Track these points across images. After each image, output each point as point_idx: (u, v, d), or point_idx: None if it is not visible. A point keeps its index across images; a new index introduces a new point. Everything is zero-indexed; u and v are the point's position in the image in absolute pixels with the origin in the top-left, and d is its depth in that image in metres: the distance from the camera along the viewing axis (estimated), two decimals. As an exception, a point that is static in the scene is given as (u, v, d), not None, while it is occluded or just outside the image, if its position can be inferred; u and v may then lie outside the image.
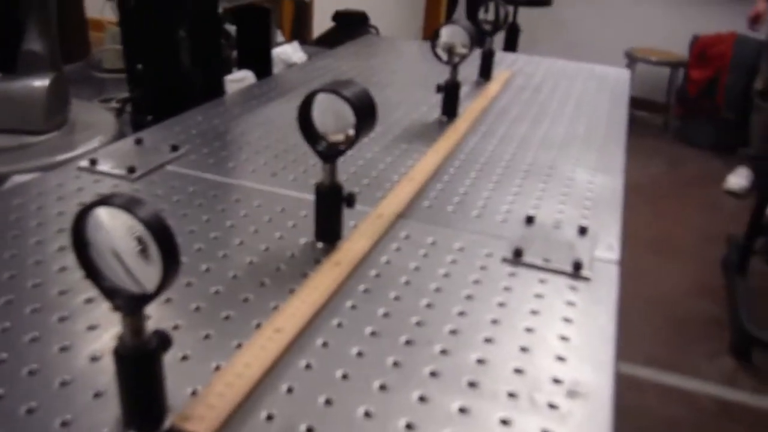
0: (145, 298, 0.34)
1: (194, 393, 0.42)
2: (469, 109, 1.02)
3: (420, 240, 0.63)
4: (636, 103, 3.60)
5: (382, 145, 0.87)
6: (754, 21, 2.86)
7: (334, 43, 1.62)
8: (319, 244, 0.60)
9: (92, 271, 0.35)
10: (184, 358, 0.45)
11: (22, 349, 0.45)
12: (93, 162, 0.75)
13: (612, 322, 0.53)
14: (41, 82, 0.88)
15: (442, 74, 0.95)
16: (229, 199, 0.70)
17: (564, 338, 0.50)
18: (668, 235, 2.53)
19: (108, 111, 1.04)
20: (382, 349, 0.47)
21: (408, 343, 0.48)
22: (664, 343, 1.89)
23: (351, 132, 0.56)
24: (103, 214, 0.33)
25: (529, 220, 0.67)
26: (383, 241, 0.62)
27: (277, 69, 1.30)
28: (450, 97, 0.98)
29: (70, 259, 0.56)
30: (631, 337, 1.84)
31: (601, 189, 0.77)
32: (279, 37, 1.61)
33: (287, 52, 1.37)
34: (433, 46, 0.93)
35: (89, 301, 0.51)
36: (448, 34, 0.90)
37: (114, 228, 0.34)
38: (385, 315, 0.51)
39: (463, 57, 0.92)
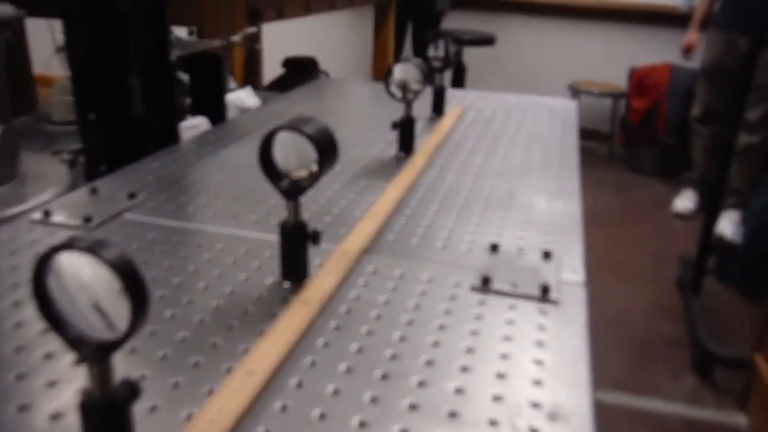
0: (113, 345, 0.33)
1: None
2: (425, 144, 1.03)
3: (388, 273, 0.63)
4: (582, 134, 3.72)
5: (343, 182, 0.87)
6: (687, 50, 3.00)
7: (286, 88, 1.63)
8: (286, 284, 0.59)
9: (55, 321, 0.33)
10: (153, 408, 0.44)
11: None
12: (47, 213, 0.72)
13: (584, 342, 0.53)
14: (-11, 136, 0.85)
15: (394, 113, 0.97)
16: (190, 244, 0.68)
17: (539, 362, 0.50)
18: (622, 259, 2.59)
19: (60, 162, 1.02)
20: (358, 386, 0.46)
21: (384, 377, 0.47)
22: (627, 365, 1.91)
23: (314, 168, 0.56)
24: (64, 259, 0.32)
25: (494, 248, 0.67)
26: (351, 276, 0.62)
27: (231, 114, 1.30)
28: (406, 133, 0.99)
29: (26, 313, 0.54)
30: (596, 361, 1.86)
31: (561, 214, 0.79)
32: (231, 83, 1.61)
33: (241, 98, 1.37)
34: (387, 84, 0.95)
35: (48, 356, 0.49)
36: (401, 71, 0.92)
37: (77, 273, 0.32)
38: (359, 350, 0.50)
39: (417, 93, 0.94)
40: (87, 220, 0.71)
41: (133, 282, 0.32)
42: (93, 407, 0.34)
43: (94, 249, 0.31)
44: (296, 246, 0.59)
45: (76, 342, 0.33)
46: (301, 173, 0.57)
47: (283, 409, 0.44)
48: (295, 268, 0.59)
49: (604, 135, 3.87)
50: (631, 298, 2.29)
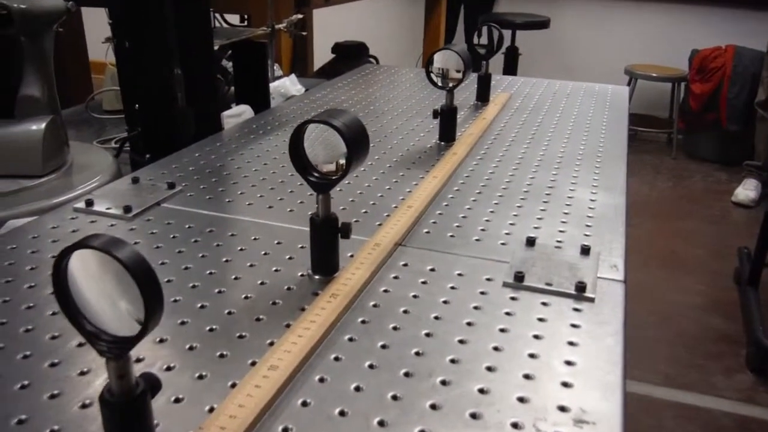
0: (129, 341, 0.33)
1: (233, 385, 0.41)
2: (466, 133, 1.01)
3: (419, 268, 0.62)
4: (639, 120, 3.62)
5: (380, 173, 0.86)
6: None
7: (334, 74, 1.63)
8: (317, 277, 0.59)
9: (74, 316, 0.34)
10: (177, 400, 0.44)
11: (12, 398, 0.44)
12: (89, 203, 0.74)
13: (619, 343, 0.51)
14: (38, 126, 0.88)
15: (440, 100, 0.95)
16: (225, 235, 0.69)
17: (569, 363, 0.48)
18: (678, 250, 2.50)
19: (106, 151, 1.04)
20: (381, 383, 0.46)
21: (407, 375, 0.47)
22: (679, 362, 1.85)
23: (342, 161, 0.55)
24: (82, 256, 0.33)
25: (530, 242, 0.66)
26: (382, 270, 0.61)
27: (276, 102, 1.31)
28: (447, 121, 0.97)
29: (63, 302, 0.55)
30: (645, 357, 1.81)
31: (603, 207, 0.76)
32: (278, 71, 1.62)
33: (285, 85, 1.37)
34: (428, 72, 0.93)
35: (81, 345, 0.50)
36: (440, 59, 0.90)
37: (94, 271, 0.33)
38: (384, 347, 0.50)
39: (458, 82, 0.92)
40: (127, 210, 0.72)
41: (145, 281, 0.32)
42: (110, 401, 0.35)
43: (107, 247, 0.31)
44: (326, 240, 0.58)
45: (93, 337, 0.34)
46: (331, 167, 0.56)
47: (304, 404, 0.44)
48: (324, 261, 0.59)
49: (663, 121, 3.74)
50: (685, 291, 2.22)
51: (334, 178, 0.56)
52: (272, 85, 1.36)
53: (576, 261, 0.63)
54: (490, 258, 0.64)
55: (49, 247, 0.66)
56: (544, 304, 0.56)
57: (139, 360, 0.48)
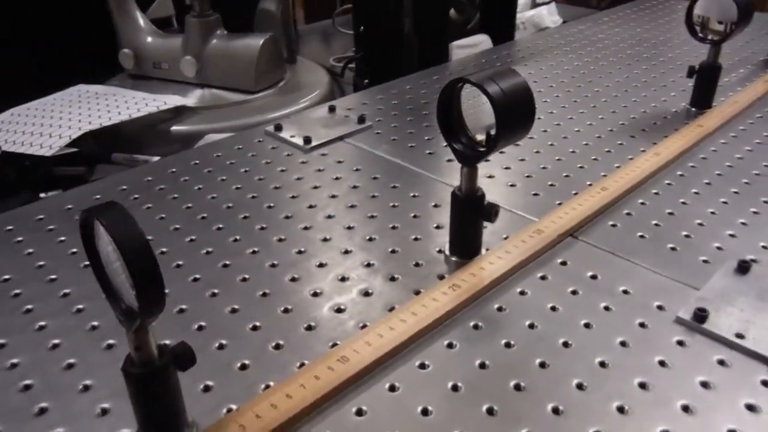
0: (132, 316, 0.31)
1: (229, 411, 0.38)
2: (730, 100, 0.80)
3: (578, 271, 0.51)
4: None
5: (593, 137, 0.73)
6: None
7: (614, 3, 1.42)
8: (453, 258, 0.52)
9: (100, 275, 0.32)
10: (243, 367, 0.42)
11: (254, 304, 0.48)
12: (278, 128, 0.75)
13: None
14: (255, 43, 0.90)
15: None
16: (387, 186, 0.64)
17: (718, 460, 0.35)
18: None
19: (325, 72, 1.04)
20: (454, 416, 0.38)
21: (490, 413, 0.38)
22: None
23: (493, 132, 0.46)
24: (99, 225, 0.30)
25: (743, 267, 0.49)
26: (531, 265, 0.51)
27: (524, 34, 1.19)
28: (703, 83, 0.78)
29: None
30: None
31: None
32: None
33: (541, 15, 1.24)
34: (688, 18, 0.74)
35: (346, 252, 0.53)
36: (703, 5, 0.71)
37: (106, 240, 0.30)
38: (483, 366, 0.41)
39: (725, 36, 0.72)
40: (306, 140, 0.71)
41: (139, 263, 0.28)
42: (128, 372, 0.33)
43: (99, 215, 0.29)
44: (466, 219, 0.50)
45: (113, 300, 0.32)
46: (481, 136, 0.47)
47: (359, 413, 0.38)
48: (462, 242, 0.51)
49: None
50: None
51: (481, 150, 0.47)
52: (526, 14, 1.23)
53: (801, 310, 0.46)
54: (677, 278, 0.50)
55: (221, 168, 0.68)
56: (720, 363, 0.42)
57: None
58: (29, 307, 0.48)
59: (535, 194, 0.62)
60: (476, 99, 0.47)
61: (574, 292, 0.48)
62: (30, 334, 0.45)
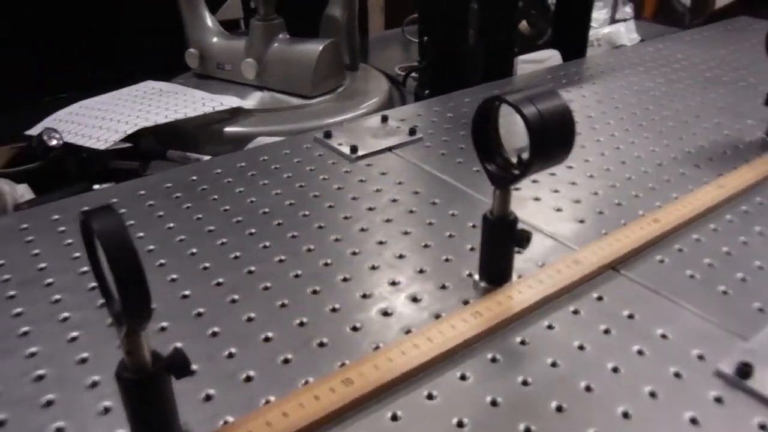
0: (121, 320, 0.31)
1: (225, 423, 0.38)
2: (813, 132, 0.74)
3: (614, 308, 0.47)
4: None
5: (653, 164, 0.69)
6: None
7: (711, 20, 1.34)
8: (482, 284, 0.49)
9: (99, 278, 0.32)
10: (248, 379, 0.41)
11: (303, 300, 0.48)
12: (327, 135, 0.74)
13: None
14: (315, 48, 0.90)
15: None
16: (426, 201, 0.62)
17: None
18: None
19: (386, 80, 1.03)
20: (456, 450, 0.36)
21: (494, 454, 0.36)
22: None
23: (525, 156, 0.43)
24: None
25: (802, 321, 0.45)
26: (564, 297, 0.48)
27: (597, 50, 1.14)
28: (783, 113, 0.72)
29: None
30: None
31: None
32: (626, 9, 1.41)
33: (618, 32, 1.19)
34: (769, 43, 0.69)
35: (373, 268, 0.52)
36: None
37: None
38: (494, 404, 0.39)
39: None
40: (353, 149, 0.70)
41: (119, 262, 0.28)
42: (120, 377, 0.33)
43: (85, 216, 0.29)
44: (495, 244, 0.48)
45: (108, 306, 0.32)
46: (515, 158, 0.45)
47: (356, 440, 0.37)
48: (491, 268, 0.49)
49: None
50: None
51: (515, 173, 0.45)
52: (602, 31, 1.19)
53: None
54: (724, 326, 0.45)
55: (265, 173, 0.68)
56: (762, 427, 0.38)
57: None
58: (58, 297, 0.49)
59: (581, 221, 0.59)
60: (512, 118, 0.45)
61: (606, 331, 0.45)
62: (53, 324, 0.46)
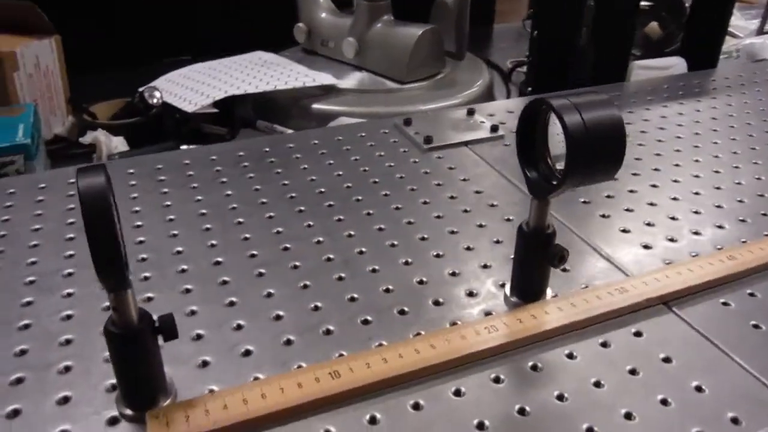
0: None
1: (211, 391, 0.38)
2: None
3: (651, 347, 0.43)
4: None
5: (752, 194, 0.61)
6: None
7: None
8: (512, 298, 0.46)
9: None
10: (247, 353, 0.42)
11: (328, 285, 0.48)
12: (407, 122, 0.73)
13: None
14: (413, 33, 0.89)
15: None
16: (485, 202, 0.60)
17: None
18: None
19: (488, 72, 1.00)
20: (424, 466, 0.34)
21: (460, 479, 0.34)
22: None
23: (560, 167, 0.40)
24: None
25: None
26: (597, 326, 0.44)
27: (731, 62, 1.03)
28: None
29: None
30: None
31: None
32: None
33: (762, 45, 1.06)
34: None
35: (407, 264, 0.51)
36: None
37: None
38: (479, 427, 0.37)
39: None
40: (427, 140, 0.69)
41: (92, 222, 0.29)
42: (107, 330, 0.34)
43: (80, 177, 0.30)
44: (528, 258, 0.45)
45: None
46: (558, 166, 0.42)
47: (327, 435, 0.36)
48: (522, 282, 0.46)
49: None
50: None
51: (553, 183, 0.41)
52: (744, 42, 1.07)
53: None
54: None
55: (334, 153, 0.68)
56: None
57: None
58: (144, 256, 0.51)
59: (646, 246, 0.53)
60: (557, 125, 0.41)
61: (633, 371, 0.41)
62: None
